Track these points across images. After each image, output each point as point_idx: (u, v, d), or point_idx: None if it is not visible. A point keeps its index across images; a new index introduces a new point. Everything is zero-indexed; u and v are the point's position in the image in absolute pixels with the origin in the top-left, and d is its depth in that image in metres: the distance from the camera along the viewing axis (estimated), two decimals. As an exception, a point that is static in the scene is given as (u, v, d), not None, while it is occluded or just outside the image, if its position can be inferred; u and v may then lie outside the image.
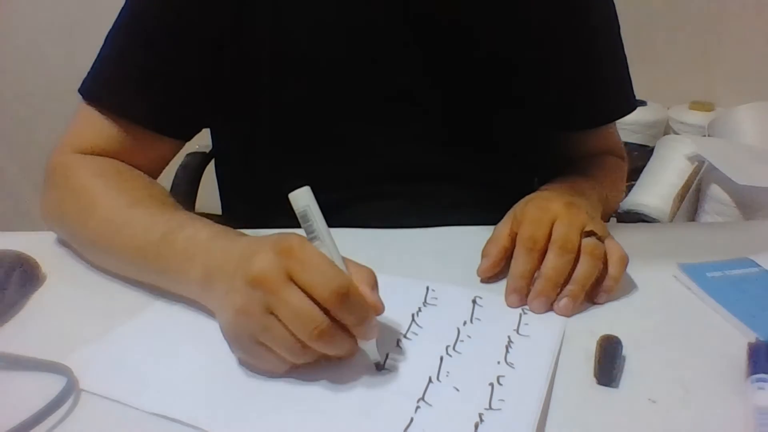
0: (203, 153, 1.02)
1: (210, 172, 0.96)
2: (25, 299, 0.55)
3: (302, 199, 0.44)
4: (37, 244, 0.61)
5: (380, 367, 0.46)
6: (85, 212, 0.59)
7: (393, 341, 0.49)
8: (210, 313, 0.51)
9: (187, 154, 1.03)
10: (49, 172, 0.65)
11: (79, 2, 1.70)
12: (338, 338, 0.43)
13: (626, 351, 0.48)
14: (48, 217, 0.64)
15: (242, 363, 0.46)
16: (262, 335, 0.43)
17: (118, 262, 0.58)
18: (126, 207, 0.58)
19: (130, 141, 0.66)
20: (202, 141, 0.94)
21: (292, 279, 0.42)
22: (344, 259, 0.46)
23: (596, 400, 0.44)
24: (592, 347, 0.48)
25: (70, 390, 0.43)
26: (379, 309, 0.45)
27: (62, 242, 0.64)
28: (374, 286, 0.46)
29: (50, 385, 0.43)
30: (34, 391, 0.43)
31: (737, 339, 0.50)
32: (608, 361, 0.46)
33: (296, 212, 0.44)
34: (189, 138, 0.71)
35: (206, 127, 0.76)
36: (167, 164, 0.72)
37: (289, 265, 0.42)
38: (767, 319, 0.52)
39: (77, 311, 0.54)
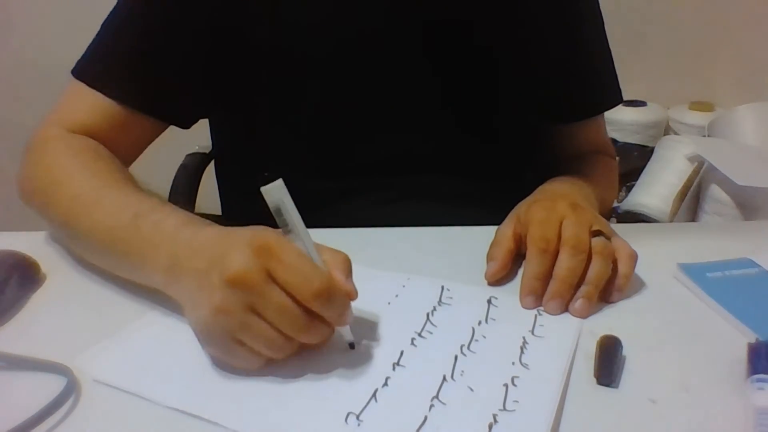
0: (203, 153, 1.02)
1: (210, 172, 0.96)
2: (25, 299, 0.55)
3: (276, 193, 0.43)
4: (37, 244, 0.61)
5: (353, 347, 0.48)
6: (55, 189, 0.59)
7: (407, 339, 0.50)
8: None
9: (188, 155, 1.04)
10: (29, 145, 0.65)
11: (79, 2, 1.70)
12: (319, 329, 0.45)
13: (626, 351, 0.48)
14: (21, 191, 0.64)
15: (214, 360, 0.46)
16: (241, 333, 0.43)
17: (85, 246, 0.58)
18: (98, 187, 0.58)
19: (113, 117, 0.66)
20: (202, 141, 0.94)
21: (271, 278, 0.42)
22: (318, 246, 0.46)
23: (596, 400, 0.44)
24: (592, 347, 0.48)
25: (70, 390, 0.43)
26: (352, 296, 0.45)
27: (62, 241, 0.64)
28: (348, 272, 0.46)
29: (50, 385, 0.43)
30: (34, 391, 0.43)
31: (737, 339, 0.50)
32: (608, 361, 0.46)
33: (270, 206, 0.44)
34: (177, 121, 0.71)
35: (204, 116, 0.76)
36: (147, 145, 0.72)
37: (268, 263, 0.42)
38: (767, 319, 0.52)
39: (77, 311, 0.54)
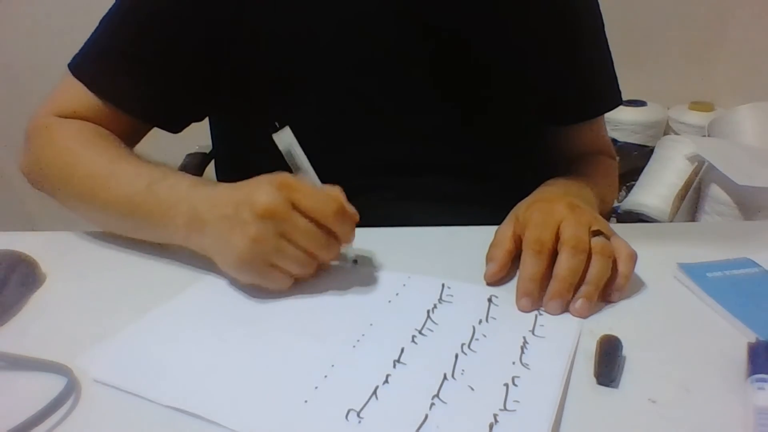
0: (203, 153, 1.02)
1: (210, 172, 0.96)
2: (25, 299, 0.55)
3: (285, 138, 0.53)
4: (37, 244, 0.61)
5: (356, 262, 0.60)
6: (69, 169, 0.63)
7: (408, 336, 0.50)
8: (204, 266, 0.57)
9: (188, 155, 1.04)
10: (30, 133, 0.69)
11: (80, 3, 1.70)
12: (334, 245, 0.54)
13: (626, 351, 0.48)
14: (30, 175, 0.68)
15: (247, 287, 0.54)
16: (275, 257, 0.52)
17: (104, 216, 0.62)
18: (109, 162, 0.62)
19: (106, 112, 0.69)
20: (202, 141, 0.94)
21: (295, 207, 0.51)
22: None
23: (596, 400, 0.44)
24: (592, 347, 0.48)
25: (70, 390, 0.43)
26: (356, 217, 0.54)
27: (62, 242, 0.64)
28: (346, 199, 0.54)
29: (50, 385, 0.43)
30: (34, 391, 0.43)
31: (737, 339, 0.50)
32: (608, 361, 0.46)
33: (281, 150, 0.53)
34: (165, 125, 0.73)
35: (198, 120, 0.77)
36: (139, 140, 0.74)
37: (290, 196, 0.51)
38: (767, 319, 0.52)
39: (77, 311, 0.54)
